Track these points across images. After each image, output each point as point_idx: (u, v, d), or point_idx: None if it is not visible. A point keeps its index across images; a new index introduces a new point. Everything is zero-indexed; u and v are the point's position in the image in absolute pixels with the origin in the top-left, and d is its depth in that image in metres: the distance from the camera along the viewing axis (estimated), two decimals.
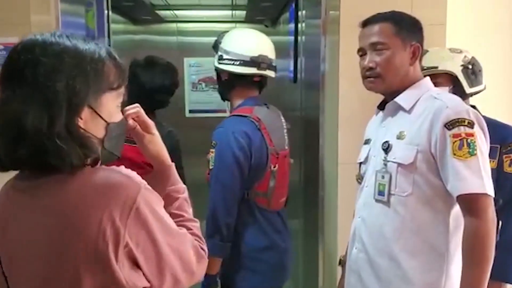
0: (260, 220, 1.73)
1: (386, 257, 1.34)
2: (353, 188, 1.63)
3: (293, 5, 2.97)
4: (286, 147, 1.85)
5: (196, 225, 0.99)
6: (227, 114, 4.34)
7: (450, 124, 1.24)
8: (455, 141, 1.23)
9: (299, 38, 2.87)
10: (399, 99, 1.38)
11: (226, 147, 1.65)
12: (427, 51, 1.75)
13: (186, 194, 1.03)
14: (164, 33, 4.53)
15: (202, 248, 0.95)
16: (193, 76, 4.27)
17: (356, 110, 1.98)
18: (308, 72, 2.71)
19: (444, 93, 1.40)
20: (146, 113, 2.10)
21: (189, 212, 1.01)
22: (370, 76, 1.38)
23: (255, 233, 1.73)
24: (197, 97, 4.28)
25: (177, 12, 4.34)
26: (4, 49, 1.88)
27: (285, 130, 1.87)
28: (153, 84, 1.96)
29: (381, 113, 1.48)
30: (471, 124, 1.24)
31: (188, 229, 0.95)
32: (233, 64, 1.75)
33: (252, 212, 1.72)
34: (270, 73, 1.80)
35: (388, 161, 1.34)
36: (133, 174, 0.86)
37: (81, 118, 0.82)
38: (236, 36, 1.82)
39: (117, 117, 0.92)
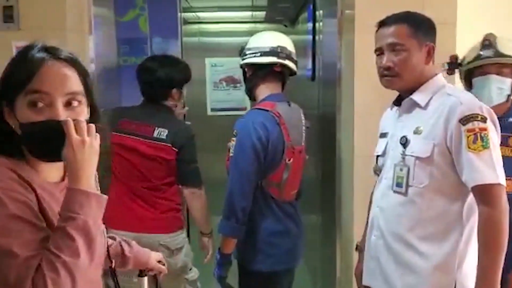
0: (274, 208, 1.86)
1: (403, 243, 1.42)
2: (368, 181, 1.70)
3: (311, 5, 3.05)
4: (303, 143, 1.96)
5: (49, 261, 0.83)
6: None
7: (465, 120, 1.31)
8: (470, 135, 1.30)
9: (317, 37, 2.95)
10: (415, 97, 1.45)
11: (246, 137, 1.77)
12: (495, 37, 1.77)
13: (65, 224, 0.86)
14: (186, 34, 4.65)
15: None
16: (215, 75, 4.40)
17: (370, 106, 2.04)
18: (325, 70, 2.79)
19: (456, 90, 1.47)
20: (148, 103, 2.10)
21: (56, 243, 0.85)
22: (387, 75, 1.45)
23: (270, 220, 1.85)
24: (218, 96, 4.41)
25: (199, 14, 4.46)
26: None
27: (303, 128, 1.97)
28: (151, 76, 2.06)
29: (395, 108, 1.55)
30: (484, 119, 1.32)
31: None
32: (254, 56, 1.88)
33: (266, 200, 1.84)
34: (290, 64, 1.91)
35: (406, 154, 1.41)
36: None
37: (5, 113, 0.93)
38: (257, 35, 1.97)
39: (29, 116, 0.90)
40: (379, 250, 1.49)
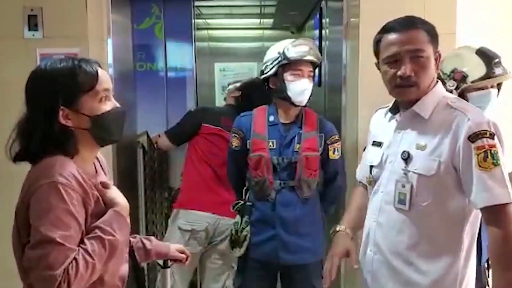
0: None
1: (403, 260, 1.37)
2: None
3: (318, 13, 3.16)
4: None
5: (84, 258, 1.05)
6: None
7: (474, 137, 1.25)
8: (480, 153, 1.24)
9: (323, 43, 3.05)
10: (418, 108, 1.35)
11: None
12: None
13: (106, 237, 1.10)
14: (196, 39, 4.77)
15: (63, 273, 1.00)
16: (223, 79, 4.51)
17: (374, 110, 2.12)
18: (331, 76, 2.88)
19: (458, 101, 1.38)
20: None
21: (93, 247, 1.08)
22: (404, 85, 1.32)
23: None
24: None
25: (209, 21, 4.57)
26: None
27: None
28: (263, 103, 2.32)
29: (389, 115, 1.46)
30: (492, 136, 1.26)
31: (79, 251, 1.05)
32: None
33: None
34: None
35: (409, 171, 1.34)
36: (57, 171, 1.07)
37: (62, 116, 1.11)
38: None
39: (103, 108, 1.16)
40: (376, 266, 1.43)
